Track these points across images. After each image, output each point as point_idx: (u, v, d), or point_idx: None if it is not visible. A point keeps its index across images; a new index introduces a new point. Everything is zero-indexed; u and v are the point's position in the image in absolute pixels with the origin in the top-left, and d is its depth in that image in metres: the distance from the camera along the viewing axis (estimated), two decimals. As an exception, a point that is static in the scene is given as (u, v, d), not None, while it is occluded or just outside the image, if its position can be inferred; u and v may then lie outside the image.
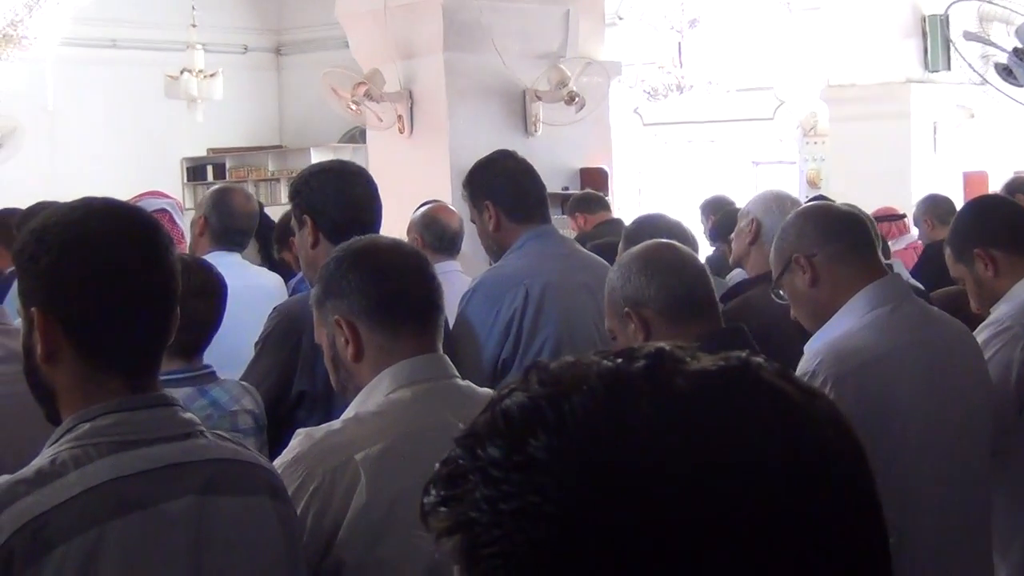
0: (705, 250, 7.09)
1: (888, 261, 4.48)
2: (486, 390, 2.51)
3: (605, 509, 0.80)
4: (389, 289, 2.41)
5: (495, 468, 0.83)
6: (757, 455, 0.82)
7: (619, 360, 0.86)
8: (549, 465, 0.81)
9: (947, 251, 3.68)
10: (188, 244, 4.85)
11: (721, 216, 7.05)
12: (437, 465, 0.87)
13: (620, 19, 15.14)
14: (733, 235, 4.33)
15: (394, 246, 2.55)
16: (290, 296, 4.53)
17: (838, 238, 3.09)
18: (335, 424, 2.36)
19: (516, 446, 0.82)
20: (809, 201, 4.68)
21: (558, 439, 0.82)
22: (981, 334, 3.37)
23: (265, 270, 4.64)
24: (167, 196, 6.76)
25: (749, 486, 0.81)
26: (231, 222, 4.59)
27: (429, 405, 2.33)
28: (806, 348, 3.06)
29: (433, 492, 0.86)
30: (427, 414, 2.30)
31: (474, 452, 0.84)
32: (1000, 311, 3.46)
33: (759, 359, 0.88)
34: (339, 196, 3.48)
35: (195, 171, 15.97)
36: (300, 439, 2.32)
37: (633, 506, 0.80)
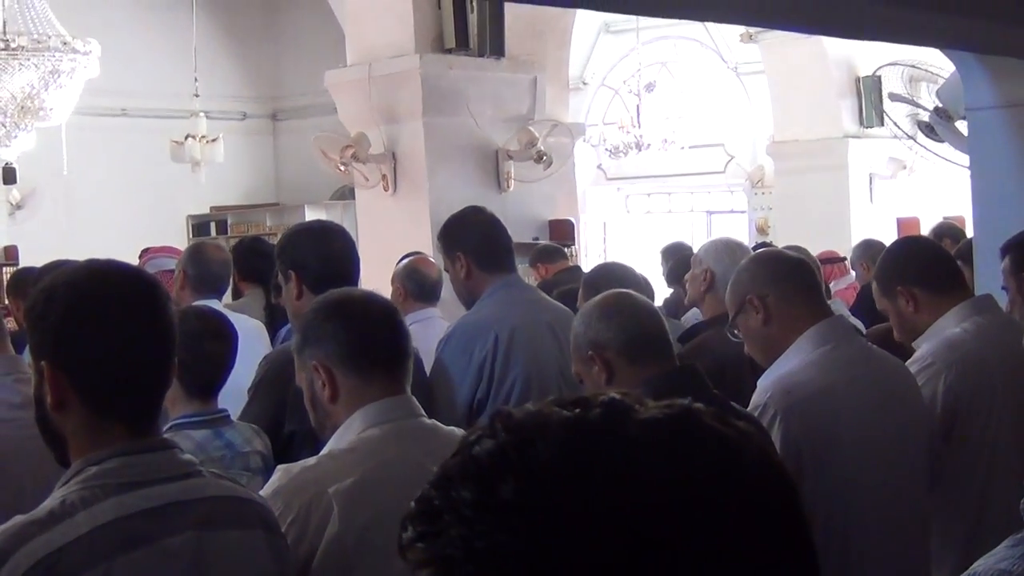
0: (663, 292, 7.09)
1: (830, 300, 4.50)
2: (450, 428, 2.52)
3: (569, 546, 0.81)
4: (361, 337, 2.42)
5: (468, 509, 0.83)
6: (701, 493, 0.84)
7: (576, 409, 0.87)
8: (518, 507, 0.82)
9: (874, 286, 3.68)
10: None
11: (675, 261, 7.00)
12: (412, 504, 0.87)
13: (584, 84, 15.27)
14: (687, 278, 4.34)
15: (366, 298, 2.55)
16: (279, 339, 4.54)
17: (788, 281, 3.11)
18: (310, 461, 2.36)
19: (487, 489, 0.83)
20: (755, 248, 4.70)
21: (525, 483, 0.83)
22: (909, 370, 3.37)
23: (244, 316, 4.66)
24: (179, 252, 6.72)
25: (696, 521, 0.82)
26: (207, 270, 4.67)
27: (396, 442, 2.34)
28: (758, 383, 3.07)
29: (410, 528, 0.86)
30: (394, 450, 2.30)
31: (448, 494, 0.85)
32: (923, 349, 3.46)
33: (699, 405, 0.90)
34: (319, 252, 3.52)
35: (199, 227, 15.92)
36: (279, 474, 2.32)
37: (594, 543, 0.81)
